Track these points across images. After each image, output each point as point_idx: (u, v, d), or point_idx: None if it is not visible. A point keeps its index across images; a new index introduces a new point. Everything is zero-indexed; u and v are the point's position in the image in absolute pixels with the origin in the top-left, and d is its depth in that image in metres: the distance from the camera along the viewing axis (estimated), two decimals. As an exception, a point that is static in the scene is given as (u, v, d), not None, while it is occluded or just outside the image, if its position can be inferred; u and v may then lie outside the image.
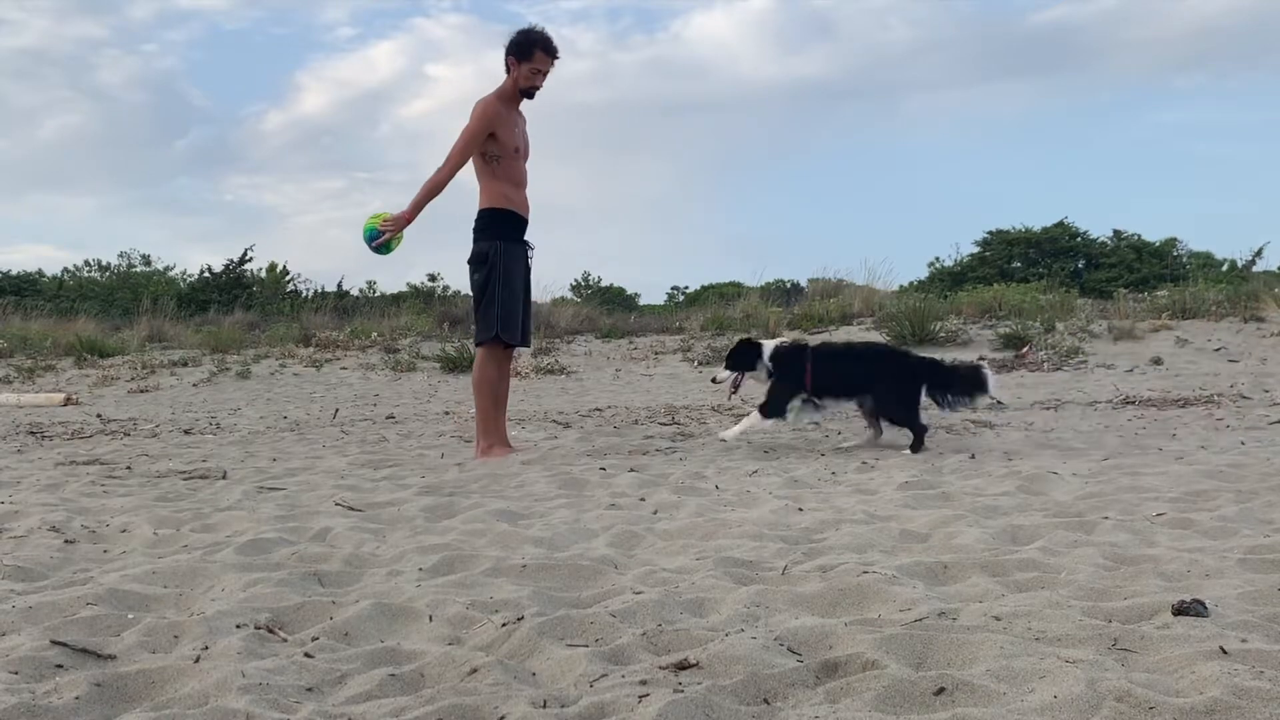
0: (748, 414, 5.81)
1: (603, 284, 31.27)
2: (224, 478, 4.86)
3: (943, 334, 13.24)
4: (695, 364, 13.03)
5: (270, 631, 2.35)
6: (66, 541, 3.34)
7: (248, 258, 26.38)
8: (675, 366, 13.05)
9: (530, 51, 5.30)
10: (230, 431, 7.42)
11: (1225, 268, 23.75)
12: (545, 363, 13.29)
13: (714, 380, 5.92)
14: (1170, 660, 1.98)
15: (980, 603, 2.42)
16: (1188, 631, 2.11)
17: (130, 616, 2.48)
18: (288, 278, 26.00)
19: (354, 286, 25.62)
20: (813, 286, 19.34)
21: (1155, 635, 2.12)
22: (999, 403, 8.17)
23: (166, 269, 30.68)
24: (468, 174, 5.40)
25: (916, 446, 5.28)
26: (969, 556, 2.86)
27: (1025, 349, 12.00)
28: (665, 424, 7.11)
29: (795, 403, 5.55)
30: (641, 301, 29.10)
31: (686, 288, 30.52)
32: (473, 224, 5.45)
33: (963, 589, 2.57)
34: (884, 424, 5.62)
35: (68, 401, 10.68)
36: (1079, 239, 29.74)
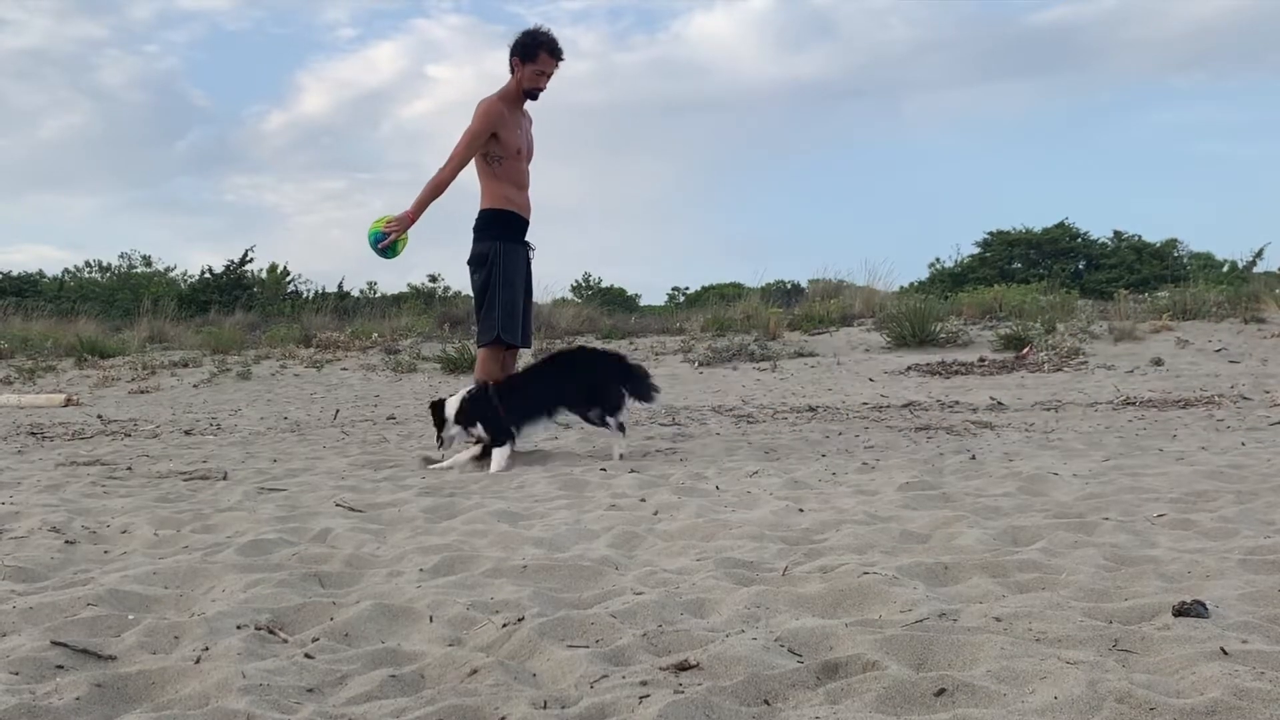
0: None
1: (603, 285, 31.27)
2: (225, 479, 4.86)
3: (943, 335, 13.23)
4: (696, 365, 13.02)
5: (271, 632, 2.35)
6: (67, 542, 3.34)
7: (248, 258, 26.40)
8: (676, 367, 13.04)
9: (534, 53, 5.29)
10: (231, 432, 7.42)
11: (1226, 268, 23.75)
12: (546, 363, 13.29)
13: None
14: (1171, 661, 1.98)
15: (981, 604, 2.42)
16: (1188, 632, 2.11)
17: (131, 617, 2.48)
18: (288, 278, 26.01)
19: (355, 287, 25.65)
20: (813, 287, 19.34)
21: (1156, 636, 2.12)
22: (1000, 404, 8.17)
23: (167, 270, 30.68)
24: (470, 174, 5.40)
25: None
26: (970, 557, 2.86)
27: (1026, 350, 11.99)
28: (666, 424, 7.11)
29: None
30: (642, 302, 29.11)
31: (687, 288, 30.52)
32: (473, 224, 5.45)
33: (963, 590, 2.57)
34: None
35: (68, 402, 10.68)
36: (1079, 240, 29.74)
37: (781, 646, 2.13)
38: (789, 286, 24.68)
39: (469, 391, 5.29)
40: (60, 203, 55.11)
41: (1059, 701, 1.78)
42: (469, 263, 5.46)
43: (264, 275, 26.09)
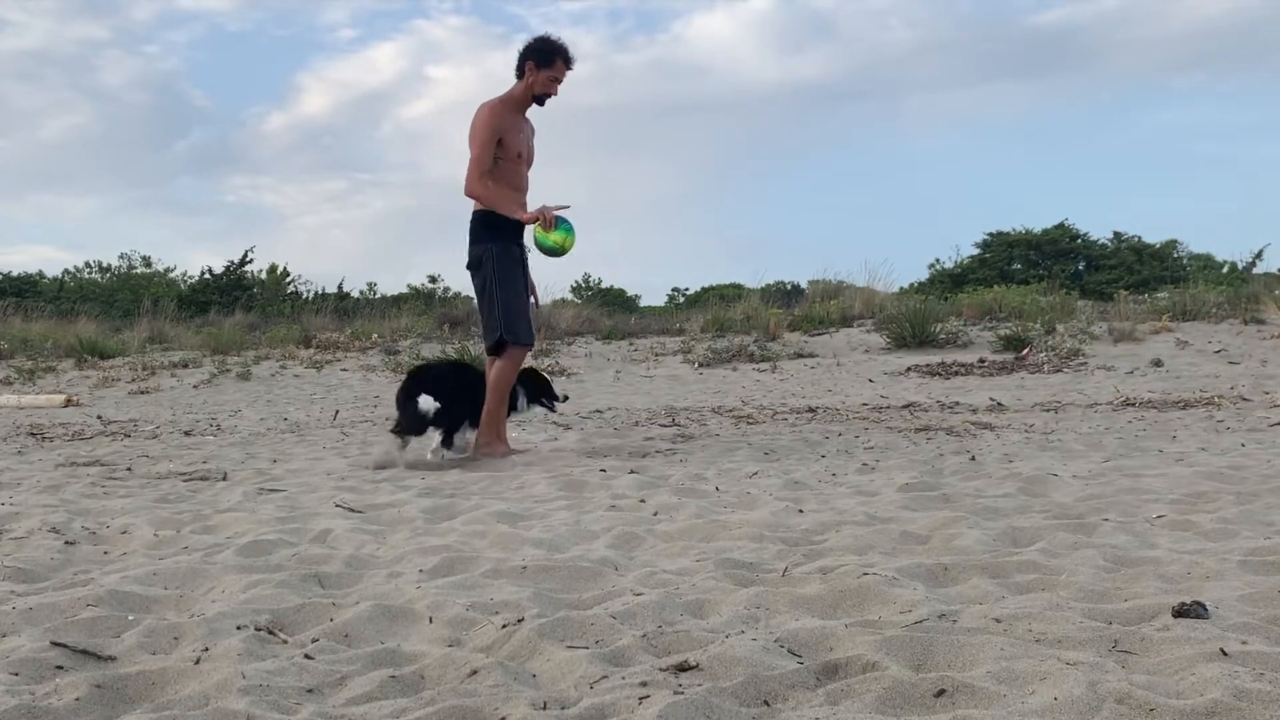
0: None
1: (603, 285, 31.29)
2: (224, 479, 4.86)
3: (943, 336, 13.24)
4: (696, 366, 13.02)
5: (270, 633, 2.35)
6: (67, 543, 3.34)
7: (248, 259, 26.42)
8: (676, 368, 13.04)
9: (552, 59, 5.29)
10: (231, 433, 7.42)
11: (1226, 269, 23.78)
12: (546, 364, 13.29)
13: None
14: (1171, 662, 1.98)
15: (981, 604, 2.42)
16: (1188, 633, 2.11)
17: (130, 618, 2.48)
18: (288, 279, 26.03)
19: (355, 288, 25.68)
20: (813, 288, 19.36)
21: (1156, 637, 2.12)
22: (999, 404, 8.17)
23: (167, 270, 30.71)
24: (457, 173, 5.38)
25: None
26: (969, 558, 2.86)
27: (1025, 351, 12.00)
28: (666, 425, 7.12)
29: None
30: (642, 303, 29.11)
31: (687, 289, 30.53)
32: (467, 227, 5.40)
33: (963, 591, 2.57)
34: None
35: (68, 403, 10.68)
36: (1079, 241, 29.76)
37: (781, 647, 2.13)
38: (789, 287, 24.70)
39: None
40: (61, 203, 55.17)
41: (1059, 702, 1.78)
42: (467, 268, 5.45)
43: (264, 276, 26.11)
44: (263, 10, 63.90)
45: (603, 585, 2.74)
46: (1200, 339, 12.47)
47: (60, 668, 2.12)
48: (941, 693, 1.86)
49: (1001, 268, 28.43)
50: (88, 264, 31.91)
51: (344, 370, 13.80)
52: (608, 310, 20.11)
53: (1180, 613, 2.23)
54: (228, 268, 26.32)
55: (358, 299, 24.12)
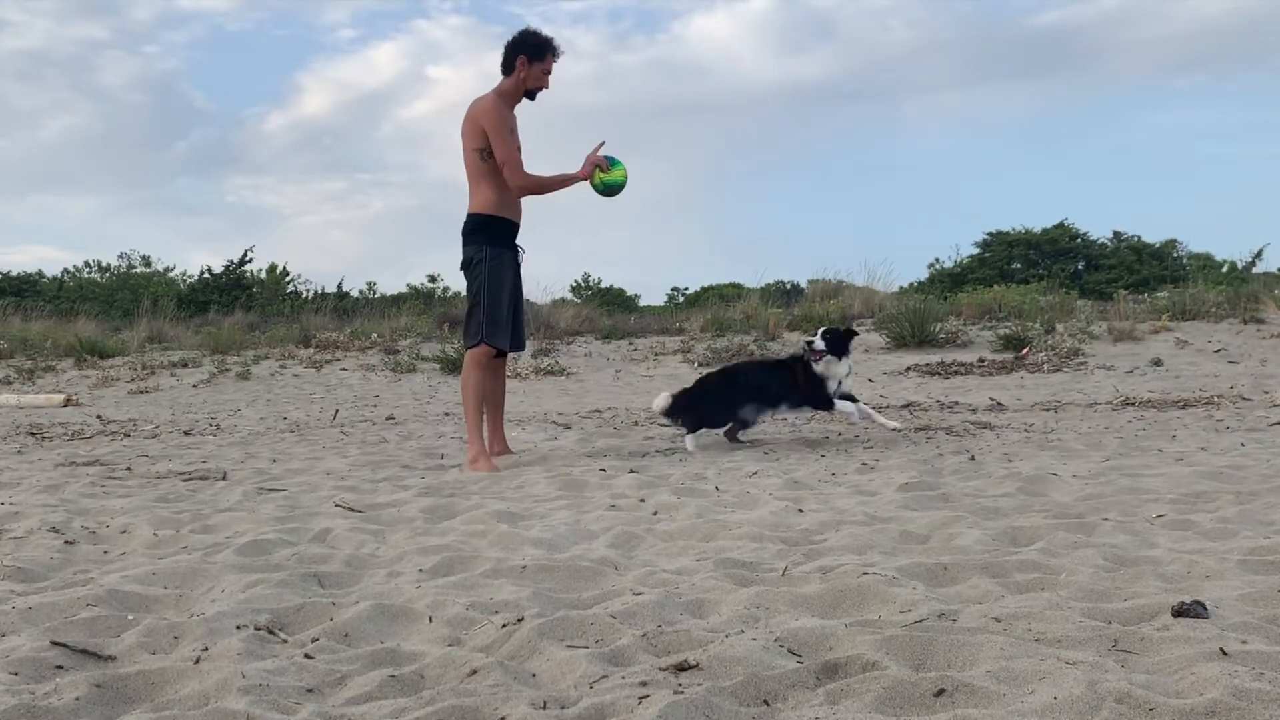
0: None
1: (603, 285, 31.28)
2: (224, 479, 4.86)
3: (942, 335, 13.24)
4: (695, 365, 13.02)
5: (270, 632, 2.35)
6: (66, 542, 3.34)
7: (248, 259, 26.41)
8: (676, 367, 13.04)
9: (543, 53, 5.23)
10: (230, 432, 7.42)
11: (1225, 269, 23.76)
12: (545, 364, 13.30)
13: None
14: (1170, 661, 1.98)
15: (980, 604, 2.42)
16: (1188, 633, 2.11)
17: (130, 617, 2.48)
18: (288, 279, 26.03)
19: (354, 288, 25.68)
20: (813, 288, 19.35)
21: (1155, 636, 2.12)
22: (999, 404, 8.17)
23: (166, 270, 30.71)
24: (461, 173, 5.31)
25: None
26: (969, 558, 2.86)
27: (1025, 350, 12.00)
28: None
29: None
30: (641, 302, 29.11)
31: (686, 289, 30.52)
32: (461, 228, 5.33)
33: (963, 590, 2.57)
34: None
35: (68, 402, 10.68)
36: (1079, 240, 29.75)
37: (781, 647, 2.13)
38: (788, 287, 24.68)
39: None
40: (61, 203, 55.18)
41: (1058, 702, 1.78)
42: (461, 268, 5.38)
43: (263, 275, 26.10)
44: (263, 10, 63.93)
45: (602, 585, 2.74)
46: (1200, 338, 12.47)
47: (60, 667, 2.12)
48: (941, 692, 1.86)
49: (1001, 267, 28.42)
50: (87, 264, 31.93)
51: (343, 370, 13.80)
52: (607, 310, 20.10)
53: (1180, 612, 2.23)
54: (227, 267, 26.32)
55: (357, 299, 24.12)
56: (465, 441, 5.73)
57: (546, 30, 5.31)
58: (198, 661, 2.13)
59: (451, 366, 12.95)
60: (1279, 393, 8.10)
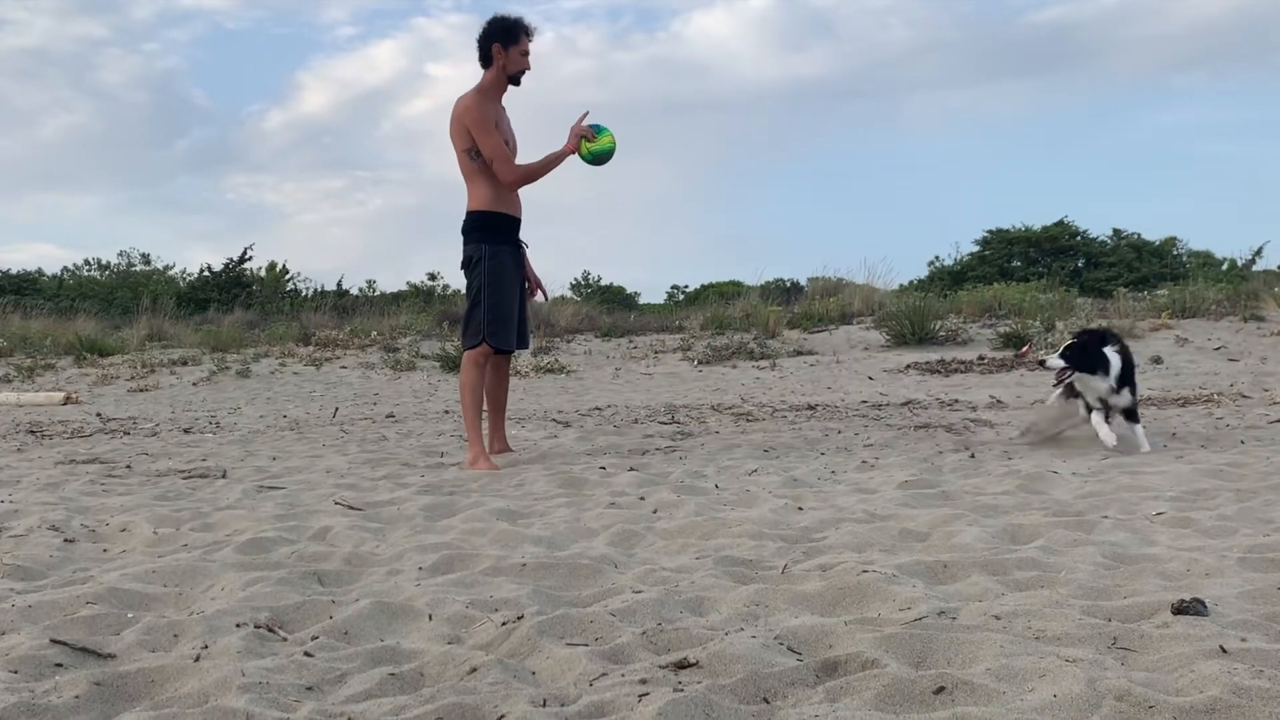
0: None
1: (602, 283, 31.27)
2: (224, 477, 4.86)
3: (942, 333, 13.24)
4: (695, 363, 13.03)
5: (270, 630, 2.35)
6: (66, 540, 3.34)
7: (247, 257, 26.41)
8: (675, 365, 13.05)
9: (516, 35, 5.12)
10: (230, 430, 7.42)
11: (1225, 267, 23.73)
12: (545, 362, 13.30)
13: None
14: (1170, 659, 1.98)
15: (980, 602, 2.42)
16: (1187, 630, 2.11)
17: (130, 615, 2.48)
18: (287, 276, 26.03)
19: (354, 285, 25.67)
20: (813, 285, 19.37)
21: (1155, 634, 2.12)
22: (999, 402, 8.17)
23: (166, 268, 30.72)
24: (454, 172, 5.28)
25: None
26: (969, 555, 2.86)
27: (1025, 348, 12.00)
28: (665, 423, 7.11)
29: None
30: (641, 300, 29.10)
31: (686, 287, 30.52)
32: (460, 227, 5.28)
33: (962, 588, 2.57)
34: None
35: (67, 400, 10.68)
36: (1079, 238, 29.72)
37: (781, 645, 2.13)
38: (788, 285, 24.66)
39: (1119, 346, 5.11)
40: (60, 201, 55.16)
41: (1058, 699, 1.78)
42: (461, 266, 5.33)
43: (263, 273, 26.10)
44: (262, 9, 63.86)
45: (602, 583, 2.74)
46: (1200, 336, 12.47)
47: (60, 665, 2.12)
48: (941, 690, 1.86)
49: (1001, 265, 28.39)
50: (87, 262, 31.92)
51: (343, 368, 13.80)
52: (607, 308, 20.11)
53: (1179, 610, 2.23)
54: (227, 265, 26.32)
55: (357, 296, 24.11)
56: (465, 440, 5.74)
57: (516, 12, 5.18)
58: (197, 659, 2.13)
59: (451, 364, 12.96)
60: (1279, 390, 8.10)
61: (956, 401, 8.37)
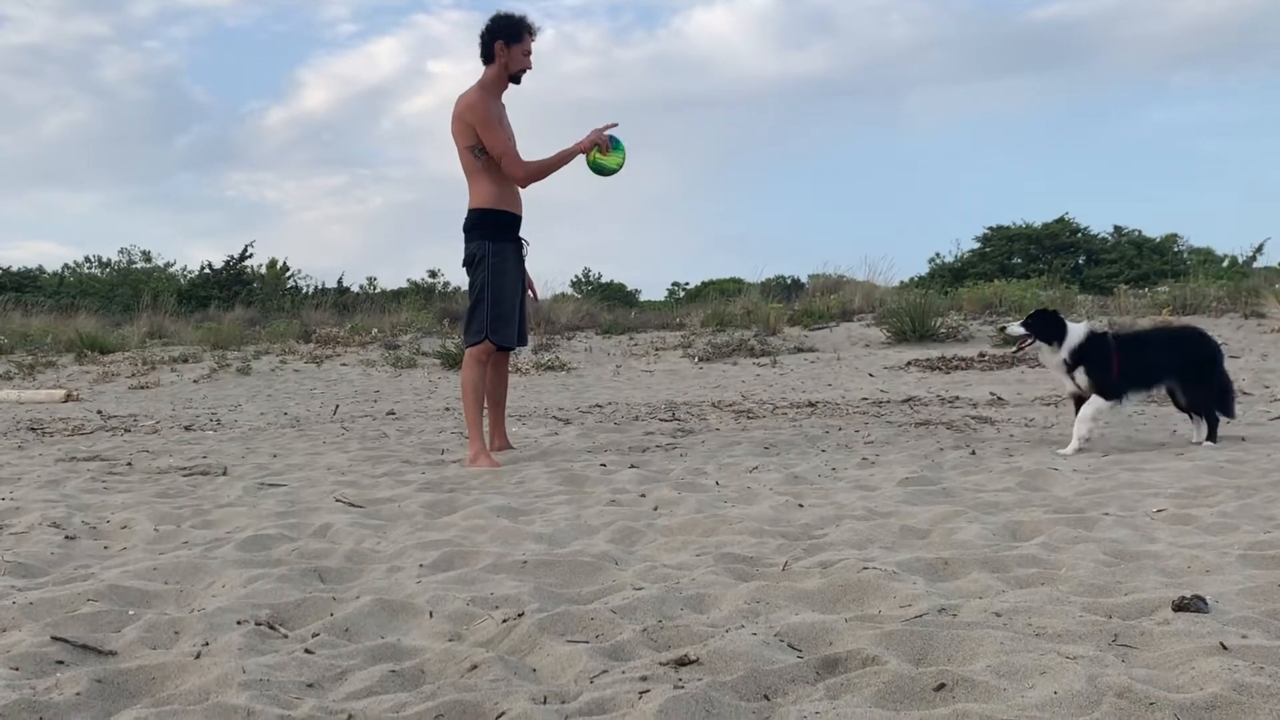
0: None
1: (603, 280, 31.27)
2: (224, 474, 4.86)
3: (943, 330, 13.24)
4: (696, 360, 13.02)
5: (271, 627, 2.35)
6: (67, 538, 3.34)
7: (248, 254, 26.41)
8: (676, 363, 13.05)
9: (519, 34, 5.11)
10: (231, 428, 7.42)
11: (1226, 263, 23.73)
12: (546, 359, 13.30)
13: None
14: (1171, 656, 1.98)
15: (981, 599, 2.42)
16: (1188, 627, 2.11)
17: (131, 613, 2.48)
18: (288, 274, 26.03)
19: (354, 283, 25.69)
20: (813, 282, 19.38)
21: (1156, 631, 2.12)
22: (1000, 399, 8.17)
23: (167, 265, 30.74)
24: (455, 169, 5.28)
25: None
26: (969, 552, 2.86)
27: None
28: (666, 420, 7.11)
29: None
30: (642, 298, 29.12)
31: (687, 284, 30.55)
32: (462, 224, 5.27)
33: (963, 585, 2.57)
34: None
35: (68, 398, 10.69)
36: (1079, 235, 29.72)
37: (781, 642, 2.13)
38: (789, 282, 24.68)
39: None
40: (61, 199, 55.22)
41: (1058, 696, 1.78)
42: (463, 264, 5.31)
43: (264, 271, 26.10)
44: (263, 6, 63.91)
45: (603, 580, 2.74)
46: (1200, 333, 12.45)
47: (61, 662, 2.12)
48: (941, 687, 1.86)
49: (1002, 262, 28.38)
50: (87, 259, 31.92)
51: (344, 365, 13.80)
52: (608, 305, 20.10)
53: (1180, 607, 2.23)
54: (227, 263, 26.32)
55: (357, 294, 24.12)
56: (466, 437, 5.74)
57: (521, 10, 5.18)
58: (198, 656, 2.13)
59: (452, 362, 12.96)
60: (1279, 387, 8.10)
61: (957, 398, 8.37)
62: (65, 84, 59.54)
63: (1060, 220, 29.66)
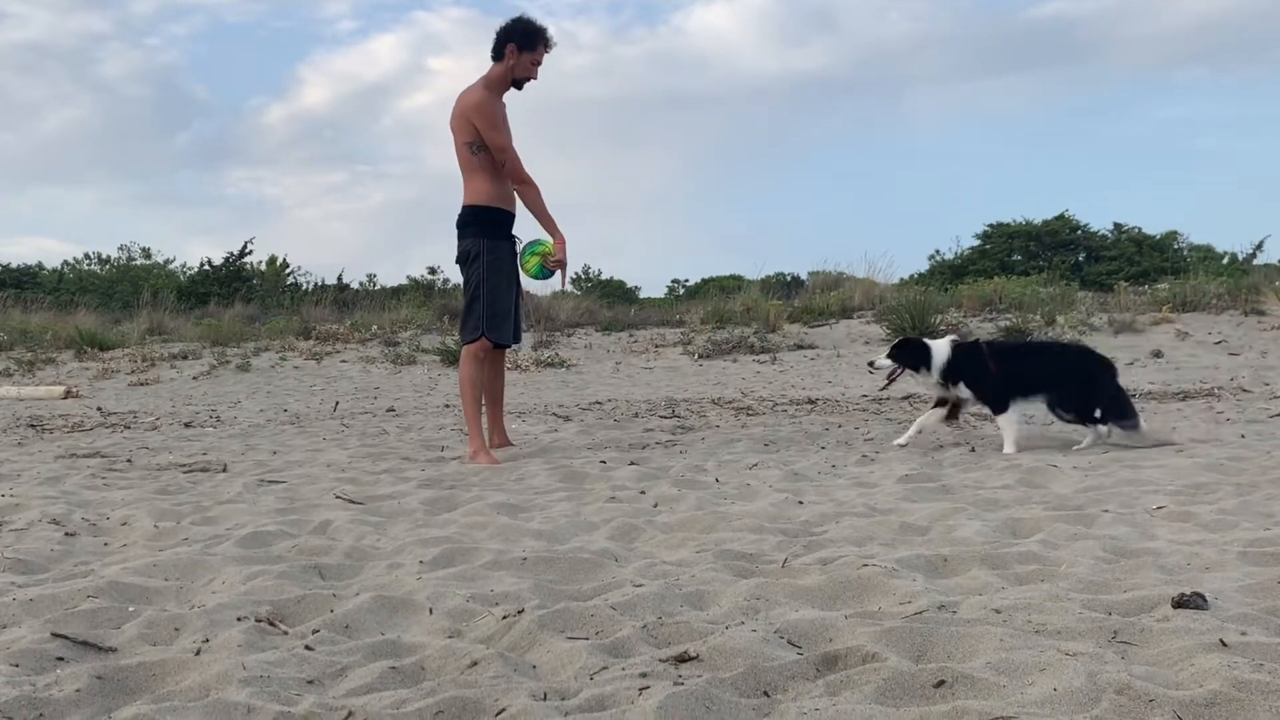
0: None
1: (603, 277, 31.25)
2: (224, 471, 4.86)
3: (943, 327, 13.23)
4: (695, 357, 13.02)
5: (271, 624, 2.35)
6: (67, 534, 3.34)
7: (247, 251, 26.38)
8: (676, 360, 13.04)
9: (534, 42, 5.12)
10: (230, 424, 7.42)
11: (1226, 261, 23.74)
12: (545, 356, 13.30)
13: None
14: (1170, 653, 1.98)
15: (980, 596, 2.42)
16: (1188, 624, 2.11)
17: (131, 609, 2.48)
18: (288, 271, 26.01)
19: (354, 280, 25.67)
20: (813, 279, 19.37)
21: (1155, 628, 2.12)
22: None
23: (166, 262, 30.71)
24: (455, 166, 5.27)
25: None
26: (969, 549, 2.86)
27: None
28: (665, 417, 7.12)
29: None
30: (642, 295, 29.09)
31: (687, 281, 30.54)
32: (455, 220, 5.28)
33: (963, 582, 2.57)
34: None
35: (68, 394, 10.68)
36: (1079, 232, 29.70)
37: (781, 638, 2.13)
38: (789, 279, 24.68)
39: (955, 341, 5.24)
40: (61, 195, 55.23)
41: (1058, 693, 1.78)
42: (457, 261, 5.30)
43: (263, 268, 26.08)
44: (263, 3, 63.87)
45: (603, 577, 2.74)
46: (1200, 330, 12.46)
47: (61, 659, 2.12)
48: (941, 683, 1.86)
49: (1002, 259, 28.37)
50: (87, 256, 31.91)
51: (344, 362, 13.80)
52: (607, 302, 20.09)
53: (1180, 604, 2.23)
54: (227, 259, 26.29)
55: (357, 290, 24.11)
56: (465, 434, 5.75)
57: (542, 20, 5.19)
58: (198, 653, 2.13)
59: (451, 359, 12.96)
60: (1279, 384, 8.10)
61: (957, 395, 8.36)
62: (65, 81, 59.56)
63: (1060, 217, 29.64)
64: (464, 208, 5.21)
